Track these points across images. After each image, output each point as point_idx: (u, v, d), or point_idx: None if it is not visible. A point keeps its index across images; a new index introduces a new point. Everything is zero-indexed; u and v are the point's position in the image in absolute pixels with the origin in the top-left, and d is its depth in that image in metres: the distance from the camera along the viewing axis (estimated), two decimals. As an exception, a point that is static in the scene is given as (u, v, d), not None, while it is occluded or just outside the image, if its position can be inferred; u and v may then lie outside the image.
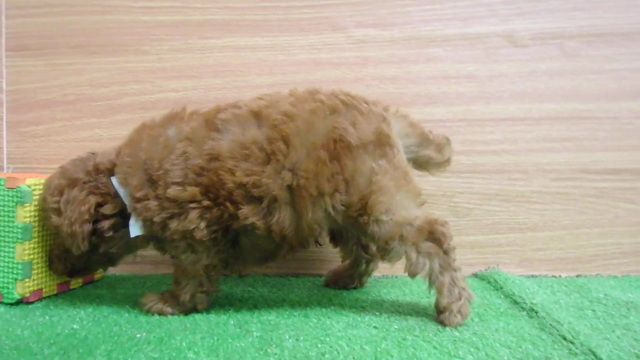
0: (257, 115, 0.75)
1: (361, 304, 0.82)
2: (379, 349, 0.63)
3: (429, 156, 0.82)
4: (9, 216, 0.81)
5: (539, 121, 1.00)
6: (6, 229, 0.81)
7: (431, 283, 0.73)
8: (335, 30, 1.03)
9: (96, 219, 0.78)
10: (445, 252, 0.72)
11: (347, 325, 0.72)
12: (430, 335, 0.68)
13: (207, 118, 0.77)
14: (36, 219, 0.83)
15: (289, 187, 0.72)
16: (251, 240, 0.78)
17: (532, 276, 0.98)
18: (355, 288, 0.92)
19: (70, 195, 0.77)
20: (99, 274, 0.99)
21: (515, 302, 0.82)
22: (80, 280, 0.94)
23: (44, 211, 0.81)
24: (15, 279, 0.81)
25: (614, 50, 0.99)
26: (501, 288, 0.89)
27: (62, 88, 1.06)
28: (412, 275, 0.74)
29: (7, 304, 0.81)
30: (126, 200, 0.78)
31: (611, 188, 0.98)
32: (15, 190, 0.81)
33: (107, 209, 0.78)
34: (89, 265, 0.86)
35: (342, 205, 0.73)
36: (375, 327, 0.71)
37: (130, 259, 0.90)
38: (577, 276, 0.98)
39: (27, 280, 0.81)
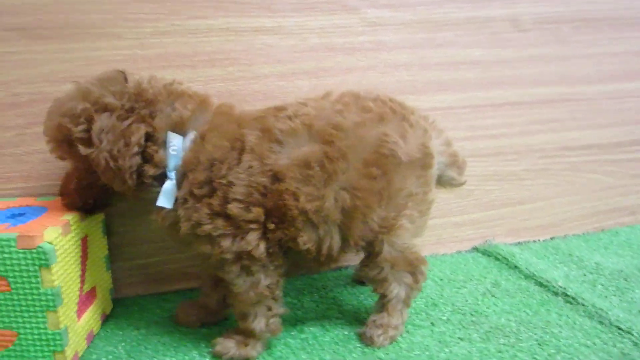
0: (309, 128, 0.75)
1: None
2: None
3: (451, 177, 0.89)
4: (31, 283, 0.74)
5: (532, 105, 1.16)
6: (30, 298, 0.74)
7: (386, 304, 0.85)
8: (348, 10, 1.01)
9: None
10: (416, 289, 0.86)
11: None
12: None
13: (263, 127, 0.75)
14: (63, 277, 0.77)
15: (343, 208, 0.75)
16: (295, 257, 0.82)
17: (518, 243, 1.23)
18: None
19: (106, 123, 0.72)
20: (109, 307, 0.96)
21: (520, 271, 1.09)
22: (99, 322, 0.91)
23: (59, 141, 0.76)
24: (54, 351, 0.77)
25: (596, 35, 1.16)
26: (505, 259, 1.13)
27: (8, 86, 0.89)
28: (379, 291, 0.85)
29: (44, 378, 0.78)
30: (175, 173, 0.75)
31: (581, 162, 1.23)
32: (35, 251, 0.73)
33: (154, 149, 0.74)
34: (111, 200, 0.85)
35: (379, 219, 0.78)
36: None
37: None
38: (552, 239, 1.26)
39: (66, 348, 0.78)
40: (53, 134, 0.77)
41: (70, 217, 0.81)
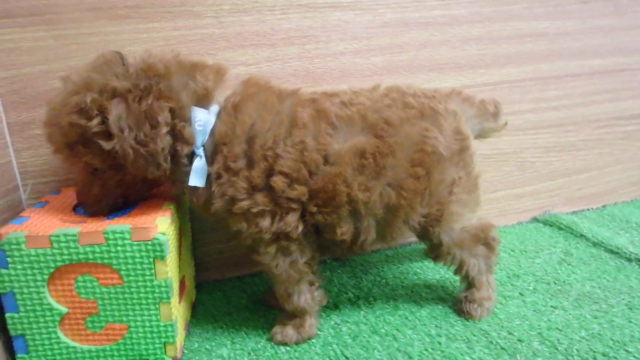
0: (364, 119, 0.71)
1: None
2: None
3: (489, 128, 0.84)
4: (144, 274, 0.68)
5: (591, 76, 1.13)
6: (144, 290, 0.69)
7: (472, 280, 0.82)
8: (422, -16, 0.95)
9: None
10: (494, 255, 0.82)
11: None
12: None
13: (318, 108, 0.71)
14: (172, 268, 0.72)
15: (387, 205, 0.72)
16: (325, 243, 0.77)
17: (574, 212, 1.22)
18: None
19: (122, 109, 0.63)
20: (194, 294, 0.91)
21: (587, 239, 1.07)
22: (190, 311, 0.86)
23: (73, 143, 0.65)
24: (165, 343, 0.72)
25: (653, 5, 1.13)
26: (569, 229, 1.12)
27: (85, 70, 0.81)
28: (461, 274, 0.82)
29: (156, 368, 0.73)
30: (205, 149, 0.69)
31: (633, 130, 1.22)
32: (150, 243, 0.67)
33: (182, 125, 0.67)
34: (144, 192, 0.76)
35: (422, 216, 0.75)
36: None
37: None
38: (603, 206, 1.25)
39: (177, 339, 0.73)
40: (63, 137, 0.66)
41: (170, 205, 0.75)
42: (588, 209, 1.24)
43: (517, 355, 0.74)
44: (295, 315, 0.78)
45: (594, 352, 0.74)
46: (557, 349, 0.75)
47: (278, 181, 0.67)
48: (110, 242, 0.66)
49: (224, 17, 0.85)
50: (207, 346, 0.78)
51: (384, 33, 0.95)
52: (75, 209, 0.75)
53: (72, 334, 0.70)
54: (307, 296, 0.77)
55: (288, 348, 0.77)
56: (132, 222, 0.68)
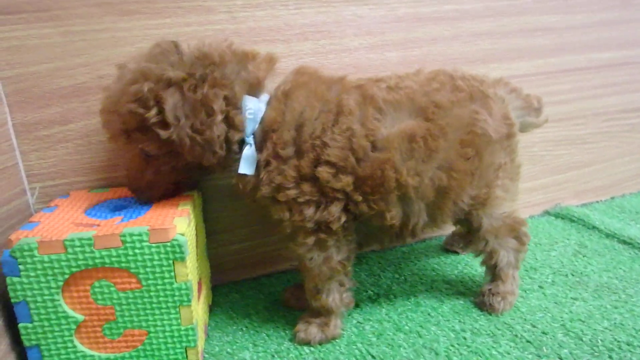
0: (412, 102, 0.69)
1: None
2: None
3: (531, 122, 0.83)
4: (164, 277, 0.64)
5: (598, 69, 1.10)
6: (163, 294, 0.64)
7: (498, 273, 0.79)
8: (434, -22, 0.92)
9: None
10: (523, 251, 0.80)
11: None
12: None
13: (364, 94, 0.69)
14: (192, 267, 0.67)
15: (438, 187, 0.70)
16: (373, 230, 0.74)
17: (583, 205, 1.19)
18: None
19: (177, 98, 0.62)
20: (210, 297, 0.86)
21: (600, 231, 1.05)
22: (208, 314, 0.82)
23: (131, 130, 0.64)
24: (186, 347, 0.67)
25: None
26: (581, 221, 1.09)
27: (92, 67, 0.76)
28: (489, 263, 0.79)
29: (176, 374, 0.68)
30: (255, 137, 0.67)
31: (638, 123, 1.19)
32: (169, 244, 0.62)
33: (235, 113, 0.65)
34: (196, 179, 0.77)
35: (470, 198, 0.73)
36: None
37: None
38: (612, 198, 1.23)
39: (198, 343, 0.68)
40: (121, 125, 0.65)
41: (188, 205, 0.71)
42: (597, 202, 1.21)
43: (544, 348, 0.71)
44: (320, 314, 0.74)
45: (618, 341, 0.71)
46: (582, 340, 0.72)
47: (323, 172, 0.65)
48: (127, 244, 0.61)
49: (237, 12, 0.81)
50: (229, 349, 0.74)
51: (398, 28, 0.91)
52: (87, 211, 0.70)
53: (90, 343, 0.65)
54: (336, 296, 0.73)
55: (312, 348, 0.73)
56: (150, 223, 0.63)
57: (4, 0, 0.70)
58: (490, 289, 0.81)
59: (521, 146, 1.04)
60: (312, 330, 0.74)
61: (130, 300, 0.64)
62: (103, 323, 0.65)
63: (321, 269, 0.71)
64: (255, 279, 0.94)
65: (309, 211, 0.67)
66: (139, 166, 0.69)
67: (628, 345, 0.70)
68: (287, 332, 0.77)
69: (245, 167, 0.67)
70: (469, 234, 0.80)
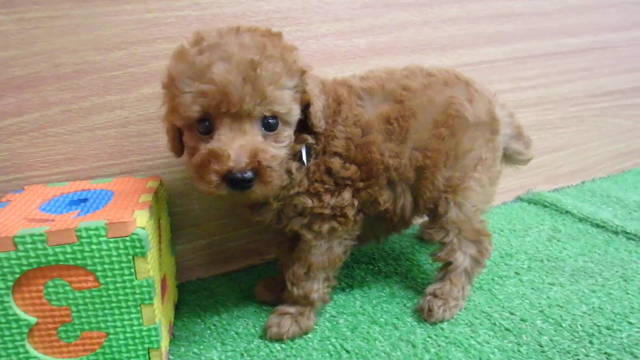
0: (382, 88, 0.70)
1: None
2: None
3: (517, 150, 0.81)
4: (124, 274, 0.58)
5: (566, 55, 1.09)
6: (123, 292, 0.59)
7: (449, 273, 0.74)
8: (401, -37, 0.88)
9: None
10: (480, 265, 0.76)
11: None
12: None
13: (348, 84, 0.70)
14: (154, 263, 0.62)
15: (416, 167, 0.70)
16: (371, 223, 0.74)
17: (555, 190, 1.18)
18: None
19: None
20: (176, 296, 0.81)
21: (573, 215, 1.03)
22: (173, 312, 0.76)
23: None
24: (149, 348, 0.62)
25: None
26: (554, 206, 1.07)
27: (49, 56, 0.70)
28: (442, 261, 0.75)
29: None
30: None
31: (607, 107, 1.18)
32: (129, 239, 0.57)
33: None
34: None
35: (445, 179, 0.71)
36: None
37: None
38: (582, 183, 1.21)
39: (162, 343, 0.63)
40: None
41: (149, 197, 0.66)
42: (568, 186, 1.20)
43: (523, 335, 0.68)
44: (297, 303, 0.71)
45: (598, 326, 0.69)
46: (561, 326, 0.69)
47: (335, 164, 0.66)
48: (83, 240, 0.56)
49: (199, -3, 0.76)
50: (195, 350, 0.69)
51: (366, 14, 0.88)
52: (41, 206, 0.65)
53: (44, 347, 0.60)
54: (320, 287, 0.72)
55: (284, 345, 0.69)
56: (107, 216, 0.58)
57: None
58: (434, 290, 0.74)
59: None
60: (286, 322, 0.70)
61: (87, 300, 0.59)
62: (58, 325, 0.59)
63: (321, 258, 0.70)
64: (225, 274, 0.89)
65: (326, 197, 0.67)
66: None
67: (608, 329, 0.68)
68: (257, 329, 0.73)
69: (305, 159, 0.66)
70: (432, 221, 0.75)
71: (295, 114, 0.61)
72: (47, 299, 0.58)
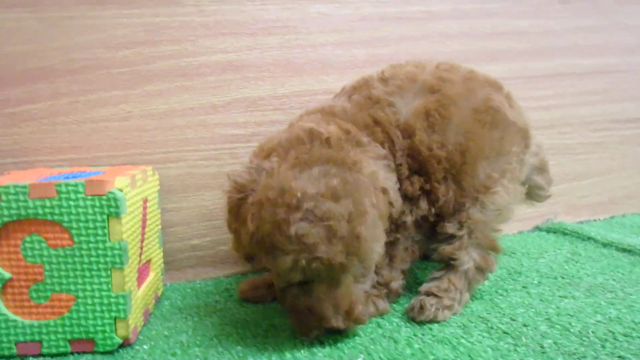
0: (413, 82, 0.72)
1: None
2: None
3: (539, 185, 0.84)
4: (97, 234, 0.63)
5: (581, 76, 1.11)
6: (95, 253, 0.63)
7: (447, 274, 0.73)
8: (400, -19, 0.97)
9: None
10: (482, 275, 0.75)
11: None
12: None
13: (366, 95, 0.73)
14: (129, 234, 0.66)
15: (462, 152, 0.71)
16: None
17: (580, 222, 1.14)
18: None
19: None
20: (160, 289, 0.84)
21: (596, 241, 0.99)
22: (153, 301, 0.79)
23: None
24: (115, 318, 0.64)
25: (635, 6, 1.14)
26: (575, 233, 1.03)
27: (64, 51, 0.82)
28: (445, 256, 0.73)
29: (104, 352, 0.64)
30: None
31: (633, 135, 1.17)
32: (105, 197, 0.62)
33: None
34: None
35: (484, 173, 0.72)
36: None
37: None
38: (611, 217, 1.17)
39: (130, 317, 0.65)
40: None
41: (135, 171, 0.71)
42: (595, 220, 1.15)
43: (523, 338, 0.64)
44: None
45: (613, 332, 0.64)
46: (569, 331, 0.65)
47: (407, 186, 0.71)
48: (62, 195, 0.62)
49: (205, 5, 0.87)
50: (166, 332, 0.70)
51: (364, 26, 0.95)
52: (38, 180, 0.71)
53: (15, 306, 0.63)
54: (399, 277, 0.75)
55: (257, 331, 0.68)
56: (90, 178, 0.64)
57: (-15, -14, 0.78)
58: (429, 288, 0.72)
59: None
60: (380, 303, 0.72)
61: (60, 259, 0.63)
62: (31, 284, 0.63)
63: (404, 251, 0.74)
64: (215, 279, 0.91)
65: (407, 217, 0.72)
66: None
67: (625, 336, 0.63)
68: (234, 321, 0.73)
69: None
70: (452, 215, 0.74)
71: None
72: (23, 255, 0.62)
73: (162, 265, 0.85)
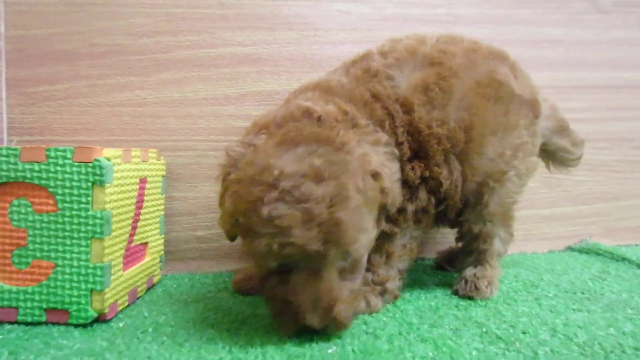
0: (413, 55, 0.65)
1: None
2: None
3: (563, 147, 0.78)
4: (80, 202, 0.58)
5: (620, 89, 0.99)
6: (76, 221, 0.58)
7: (488, 257, 0.72)
8: (425, -17, 0.91)
9: None
10: (508, 243, 0.74)
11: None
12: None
13: (364, 67, 0.66)
14: (116, 205, 0.61)
15: (465, 129, 0.64)
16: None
17: (618, 246, 0.99)
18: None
19: None
20: (157, 276, 0.78)
21: (630, 262, 0.85)
22: (144, 285, 0.73)
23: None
24: (92, 289, 0.59)
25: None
26: (610, 253, 0.89)
27: (87, 36, 0.81)
28: (480, 249, 0.71)
29: (77, 325, 0.59)
30: None
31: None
32: (90, 165, 0.58)
33: None
34: None
35: (494, 151, 0.65)
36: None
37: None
38: (657, 243, 1.01)
39: (106, 290, 0.60)
40: None
41: (134, 150, 0.67)
42: (637, 245, 1.00)
43: (516, 343, 0.53)
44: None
45: (622, 345, 0.52)
46: (571, 340, 0.54)
47: (408, 171, 0.63)
48: (50, 160, 0.58)
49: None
50: (146, 313, 0.64)
51: (384, 26, 0.90)
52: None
53: (-3, 269, 0.60)
54: (395, 276, 0.67)
55: (237, 318, 0.61)
56: (79, 145, 0.60)
57: (22, -27, 0.79)
58: (475, 273, 0.71)
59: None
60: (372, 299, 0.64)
61: (44, 225, 0.59)
62: (14, 248, 0.59)
63: (401, 248, 0.66)
64: (217, 274, 0.84)
65: (408, 206, 0.64)
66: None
67: (636, 349, 0.51)
68: (217, 308, 0.65)
69: None
70: (471, 211, 0.69)
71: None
72: (9, 218, 0.59)
73: (162, 252, 0.80)
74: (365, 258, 0.58)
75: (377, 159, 0.56)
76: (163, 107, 0.83)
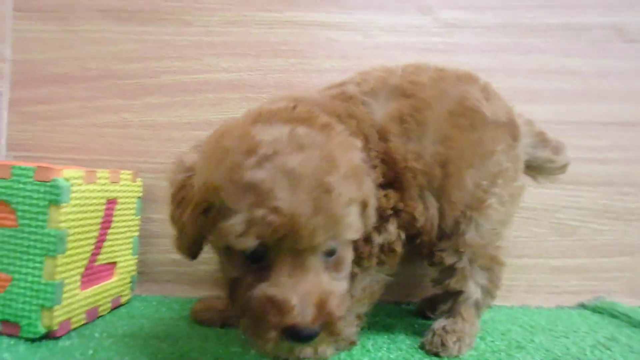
0: (385, 85, 0.69)
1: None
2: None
3: (546, 158, 0.80)
4: (37, 219, 0.68)
5: (650, 127, 0.96)
6: (33, 238, 0.68)
7: (459, 306, 0.72)
8: (421, 11, 0.96)
9: None
10: (490, 297, 0.73)
11: None
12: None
13: (339, 91, 0.69)
14: (73, 225, 0.70)
15: (442, 163, 0.67)
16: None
17: (642, 306, 0.94)
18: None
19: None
20: (125, 296, 0.86)
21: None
22: (109, 304, 0.81)
23: None
24: (42, 306, 0.68)
25: None
26: (626, 316, 0.86)
27: (81, 61, 0.94)
28: (451, 291, 0.71)
29: (27, 339, 0.67)
30: None
31: None
32: (49, 184, 0.68)
33: None
34: None
35: (472, 182, 0.68)
36: None
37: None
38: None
39: (57, 307, 0.68)
40: None
41: (100, 172, 0.77)
42: (667, 307, 0.94)
43: None
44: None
45: None
46: None
47: (380, 197, 0.64)
48: (14, 177, 0.69)
49: (213, 27, 0.94)
50: (97, 334, 0.71)
51: (375, 54, 0.95)
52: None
53: (-40, 279, 0.70)
54: (352, 321, 0.69)
55: (177, 346, 0.67)
56: (40, 164, 0.70)
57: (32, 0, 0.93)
58: (444, 326, 0.71)
59: (541, 208, 0.93)
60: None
61: (5, 239, 0.69)
62: (-23, 259, 0.70)
63: (361, 291, 0.68)
64: (189, 299, 0.91)
65: (375, 237, 0.65)
66: None
67: None
68: (166, 335, 0.72)
69: None
70: (447, 241, 0.70)
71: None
72: (-25, 231, 0.70)
73: (134, 272, 0.88)
74: (349, 260, 0.57)
75: (359, 157, 0.57)
76: (147, 130, 0.93)
